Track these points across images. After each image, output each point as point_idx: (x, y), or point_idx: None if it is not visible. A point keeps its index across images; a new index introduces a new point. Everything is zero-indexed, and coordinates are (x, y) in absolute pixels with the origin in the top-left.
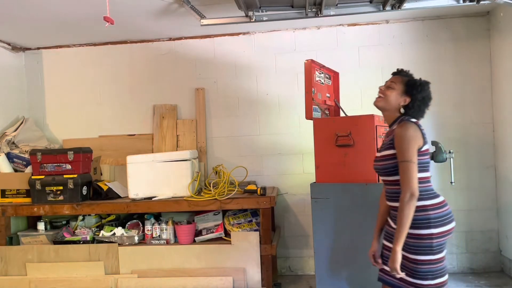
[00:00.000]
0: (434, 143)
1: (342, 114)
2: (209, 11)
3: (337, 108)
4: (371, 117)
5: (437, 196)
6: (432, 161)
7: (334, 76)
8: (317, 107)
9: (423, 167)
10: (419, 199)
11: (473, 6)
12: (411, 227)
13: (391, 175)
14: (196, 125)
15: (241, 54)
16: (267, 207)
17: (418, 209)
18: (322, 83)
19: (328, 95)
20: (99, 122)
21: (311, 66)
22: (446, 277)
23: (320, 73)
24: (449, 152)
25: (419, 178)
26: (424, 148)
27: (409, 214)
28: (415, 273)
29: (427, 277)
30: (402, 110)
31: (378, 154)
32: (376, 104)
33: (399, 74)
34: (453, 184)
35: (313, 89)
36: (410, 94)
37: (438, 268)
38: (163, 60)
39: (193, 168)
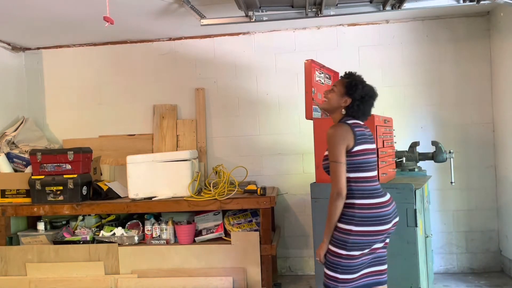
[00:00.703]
0: (434, 143)
1: None
2: (209, 11)
3: None
4: (371, 117)
5: (373, 197)
6: (432, 161)
7: (334, 76)
8: (317, 107)
9: (356, 168)
10: (350, 197)
11: (473, 6)
12: (338, 220)
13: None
14: (196, 125)
15: (241, 54)
16: (267, 207)
17: (347, 205)
18: (322, 83)
19: None
20: (99, 122)
21: (311, 66)
22: (355, 275)
23: (320, 73)
24: (449, 152)
25: (354, 178)
26: (356, 149)
27: (334, 212)
28: (327, 263)
29: (336, 269)
30: (343, 111)
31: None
32: (320, 107)
33: (343, 77)
34: (453, 184)
35: (313, 89)
36: (349, 94)
37: (347, 264)
38: (163, 60)
39: (193, 168)
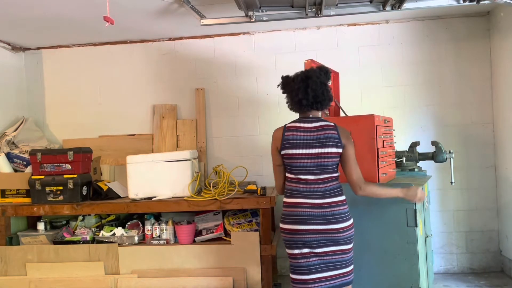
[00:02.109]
0: (434, 143)
1: (342, 114)
2: (209, 11)
3: (337, 108)
4: (371, 117)
5: (292, 196)
6: (432, 161)
7: (334, 76)
8: None
9: (285, 168)
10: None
11: (473, 6)
12: None
13: None
14: (196, 125)
15: (241, 54)
16: (267, 207)
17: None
18: None
19: None
20: (99, 122)
21: (310, 66)
22: (307, 277)
23: None
24: (449, 152)
25: (286, 177)
26: (282, 153)
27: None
28: None
29: (290, 269)
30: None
31: None
32: None
33: None
34: (453, 184)
35: None
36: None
37: (294, 264)
38: (163, 60)
39: (193, 168)
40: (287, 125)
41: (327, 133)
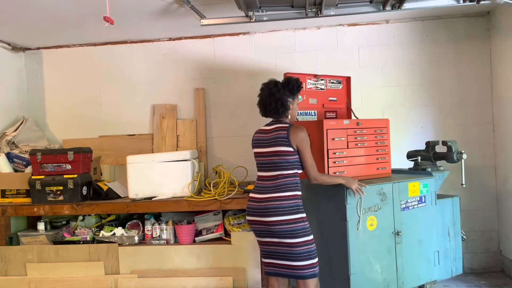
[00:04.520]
0: (444, 143)
1: (353, 117)
2: (209, 11)
3: (348, 110)
4: (321, 122)
5: (252, 192)
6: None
7: (346, 80)
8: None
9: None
10: None
11: (473, 6)
12: None
13: None
14: (196, 125)
15: (241, 54)
16: None
17: None
18: (323, 89)
19: (333, 98)
20: (99, 122)
21: (286, 77)
22: (264, 260)
23: (316, 80)
24: (460, 153)
25: None
26: (253, 151)
27: None
28: None
29: None
30: None
31: None
32: None
33: None
34: (463, 185)
35: (300, 96)
36: None
37: (260, 249)
38: (163, 60)
39: (193, 168)
40: (257, 129)
41: (277, 134)
